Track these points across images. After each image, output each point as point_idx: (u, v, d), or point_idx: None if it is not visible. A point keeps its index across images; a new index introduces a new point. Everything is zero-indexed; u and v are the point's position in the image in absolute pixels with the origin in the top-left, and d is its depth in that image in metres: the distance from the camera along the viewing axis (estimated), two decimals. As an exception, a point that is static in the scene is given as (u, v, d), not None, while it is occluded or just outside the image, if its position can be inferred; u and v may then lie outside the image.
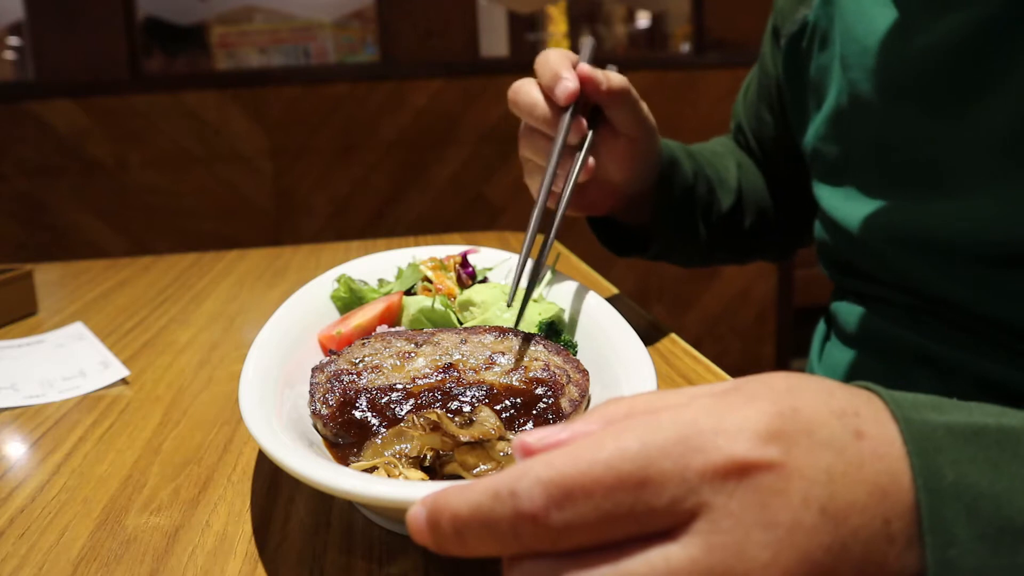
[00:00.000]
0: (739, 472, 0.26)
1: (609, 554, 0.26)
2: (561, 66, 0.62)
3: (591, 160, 0.62)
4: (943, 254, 0.59)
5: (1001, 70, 0.53)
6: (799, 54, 0.75)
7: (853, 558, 0.26)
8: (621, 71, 0.67)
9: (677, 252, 0.79)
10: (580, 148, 0.63)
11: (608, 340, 0.54)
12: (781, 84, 0.79)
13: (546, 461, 0.26)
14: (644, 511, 0.26)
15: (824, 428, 0.27)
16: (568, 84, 0.60)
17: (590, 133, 0.63)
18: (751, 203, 0.83)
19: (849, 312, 0.72)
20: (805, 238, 0.90)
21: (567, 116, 0.61)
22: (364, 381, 0.50)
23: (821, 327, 0.82)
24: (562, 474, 0.26)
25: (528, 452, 0.29)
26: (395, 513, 0.42)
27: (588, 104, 0.64)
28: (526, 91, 0.64)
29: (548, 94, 0.62)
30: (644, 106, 0.66)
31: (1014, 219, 0.53)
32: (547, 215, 0.61)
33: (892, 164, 0.63)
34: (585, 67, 0.62)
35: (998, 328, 0.58)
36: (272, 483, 0.50)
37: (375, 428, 0.46)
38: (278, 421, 0.45)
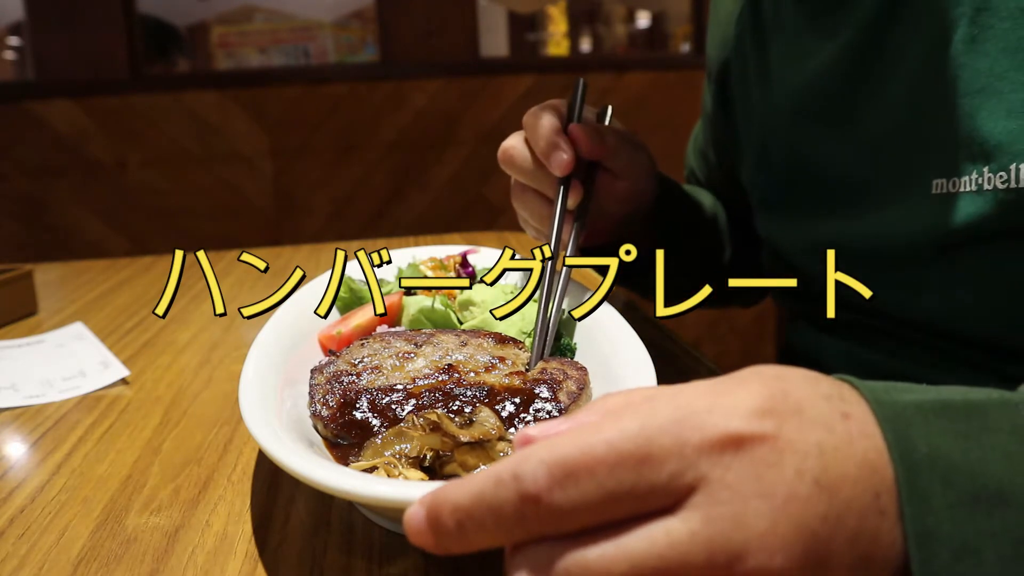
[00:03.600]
0: (735, 445, 0.27)
1: (611, 532, 0.26)
2: (553, 132, 0.60)
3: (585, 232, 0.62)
4: (874, 269, 0.59)
5: (870, 90, 0.56)
6: (726, 94, 0.77)
7: (847, 528, 0.27)
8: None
9: (668, 277, 0.79)
10: (577, 207, 0.62)
11: (608, 340, 0.54)
12: (716, 125, 0.81)
13: (548, 444, 0.27)
14: (645, 488, 0.26)
15: (813, 408, 0.29)
16: (563, 156, 0.59)
17: (588, 195, 0.62)
18: (726, 236, 0.84)
19: (804, 338, 0.72)
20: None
21: (563, 187, 0.60)
22: (364, 382, 0.50)
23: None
24: (564, 454, 0.27)
25: (530, 444, 0.29)
26: (395, 513, 0.42)
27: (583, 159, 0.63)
28: (520, 154, 0.63)
29: (544, 162, 0.61)
30: (641, 149, 0.66)
31: (921, 225, 0.54)
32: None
33: (810, 185, 0.64)
34: (577, 130, 0.60)
35: (953, 341, 0.57)
36: (272, 483, 0.50)
37: (376, 428, 0.46)
38: (278, 421, 0.45)
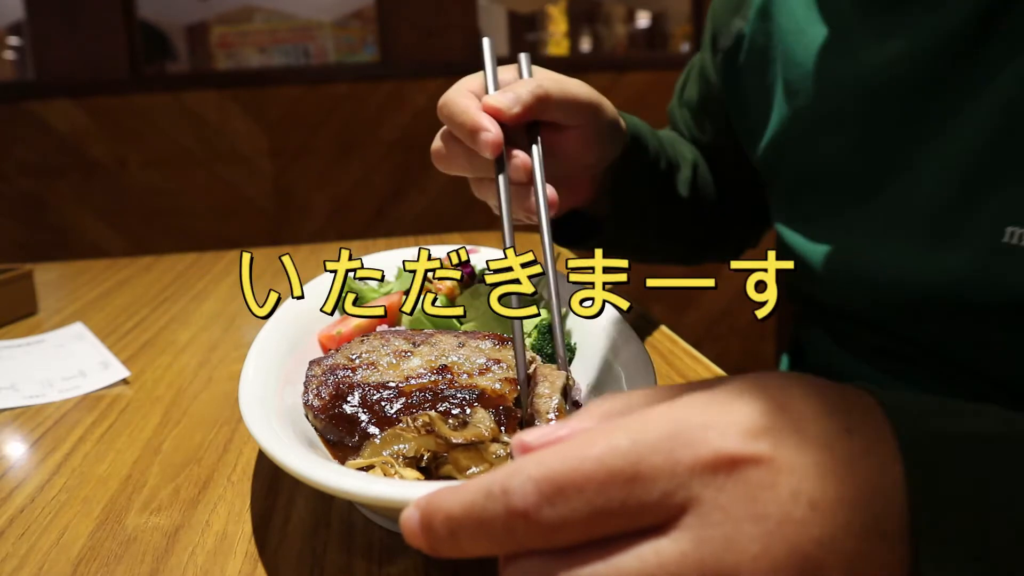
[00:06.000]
0: (728, 466, 0.26)
1: (601, 550, 0.26)
2: (471, 111, 0.53)
3: (552, 194, 0.54)
4: (905, 297, 0.55)
5: (943, 107, 0.51)
6: (736, 71, 0.70)
7: (843, 552, 0.26)
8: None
9: (631, 235, 0.72)
10: (535, 175, 0.54)
11: (608, 340, 0.54)
12: (723, 99, 0.74)
13: (537, 459, 0.27)
14: (635, 506, 0.26)
15: (814, 425, 0.28)
16: (488, 136, 0.51)
17: (535, 161, 0.54)
18: (704, 195, 0.78)
19: (817, 348, 0.68)
20: (753, 240, 0.87)
21: (500, 171, 0.53)
22: (358, 377, 0.50)
23: (784, 363, 0.78)
24: (554, 470, 0.26)
25: (527, 450, 0.29)
26: (394, 513, 0.42)
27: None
28: (450, 150, 0.57)
29: (473, 148, 0.54)
30: (574, 88, 0.57)
31: (979, 274, 0.49)
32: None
33: (843, 195, 0.59)
34: (489, 101, 0.53)
35: (980, 379, 0.54)
36: (272, 483, 0.50)
37: (364, 424, 0.46)
38: (278, 421, 0.45)
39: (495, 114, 0.53)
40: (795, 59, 0.62)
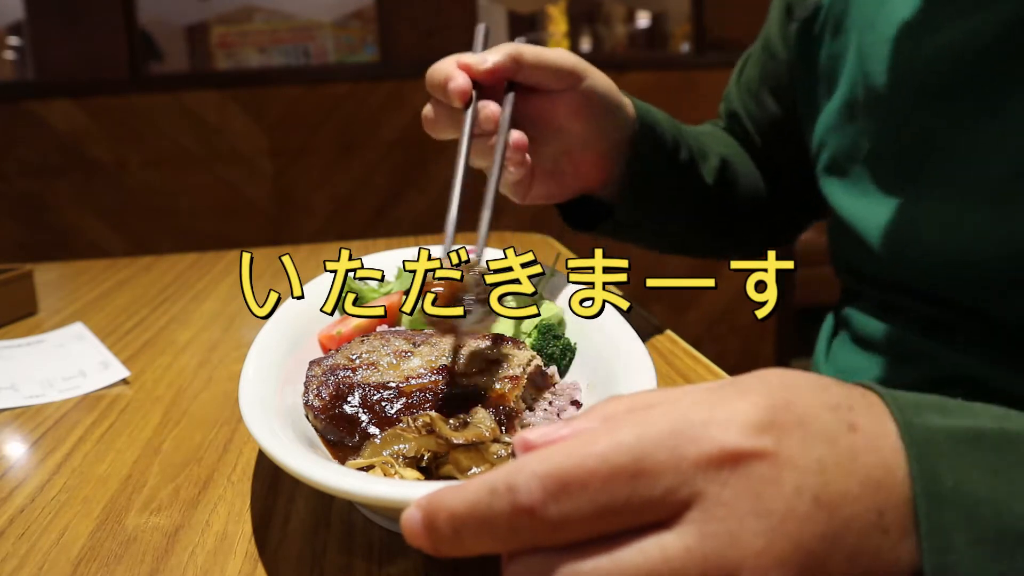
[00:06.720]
0: (732, 461, 0.26)
1: (605, 545, 0.26)
2: (447, 68, 0.57)
3: (518, 136, 0.57)
4: (971, 267, 0.56)
5: (1022, 75, 0.51)
6: (811, 39, 0.72)
7: (846, 547, 0.26)
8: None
9: (650, 223, 0.73)
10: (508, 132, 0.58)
11: (608, 340, 0.54)
12: (792, 69, 0.76)
13: (541, 456, 0.27)
14: (639, 502, 0.26)
15: (817, 420, 0.28)
16: (455, 84, 0.56)
17: (505, 111, 0.57)
18: (738, 189, 0.78)
19: (864, 319, 0.68)
20: (792, 235, 0.87)
21: (467, 117, 0.57)
22: (358, 377, 0.50)
23: (828, 324, 0.78)
24: (558, 467, 0.26)
25: (529, 449, 0.29)
26: (394, 513, 0.42)
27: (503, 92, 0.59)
28: (437, 115, 0.60)
29: (448, 103, 0.57)
30: (551, 53, 0.59)
31: None
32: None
33: (912, 164, 0.60)
34: (461, 58, 0.57)
35: None
36: (272, 483, 0.50)
37: (364, 424, 0.46)
38: (278, 421, 0.45)
39: (466, 69, 0.57)
40: (874, 26, 0.62)
